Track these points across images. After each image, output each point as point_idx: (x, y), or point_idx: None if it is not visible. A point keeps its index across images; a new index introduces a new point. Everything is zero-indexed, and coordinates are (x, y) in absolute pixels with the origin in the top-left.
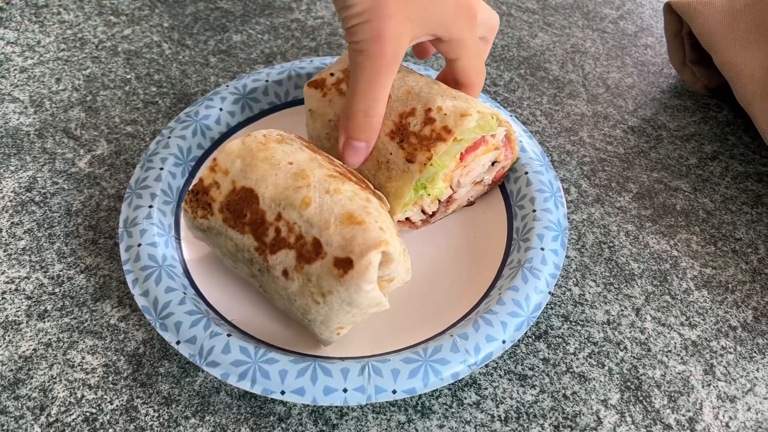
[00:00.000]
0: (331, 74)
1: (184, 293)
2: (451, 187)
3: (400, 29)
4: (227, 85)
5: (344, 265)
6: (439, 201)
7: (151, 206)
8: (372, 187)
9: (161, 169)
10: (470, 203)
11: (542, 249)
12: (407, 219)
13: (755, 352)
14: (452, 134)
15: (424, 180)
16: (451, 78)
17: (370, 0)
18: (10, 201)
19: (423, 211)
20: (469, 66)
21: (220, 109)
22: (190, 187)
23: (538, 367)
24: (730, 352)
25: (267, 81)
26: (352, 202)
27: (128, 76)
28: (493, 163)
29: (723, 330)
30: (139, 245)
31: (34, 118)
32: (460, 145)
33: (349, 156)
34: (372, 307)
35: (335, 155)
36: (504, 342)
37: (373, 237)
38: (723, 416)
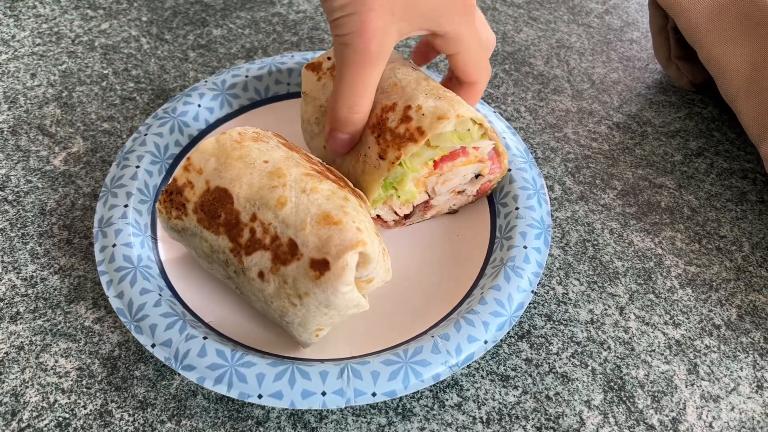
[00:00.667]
0: (328, 58)
1: (160, 295)
2: (426, 192)
3: (383, 23)
4: (206, 81)
5: (320, 266)
6: (414, 206)
7: (126, 205)
8: (351, 185)
9: (137, 167)
10: (453, 211)
11: (525, 247)
12: (378, 216)
13: (739, 350)
14: (424, 136)
15: (391, 179)
16: (454, 78)
17: None
18: None
19: (395, 212)
20: (468, 61)
21: (199, 105)
22: (165, 187)
23: (520, 367)
24: (714, 351)
25: (247, 76)
26: (329, 201)
27: (105, 72)
28: (477, 176)
29: (707, 329)
30: (114, 246)
31: (7, 115)
32: (433, 152)
33: (332, 145)
34: (350, 309)
35: (323, 144)
36: (486, 342)
37: (349, 237)
38: (706, 416)
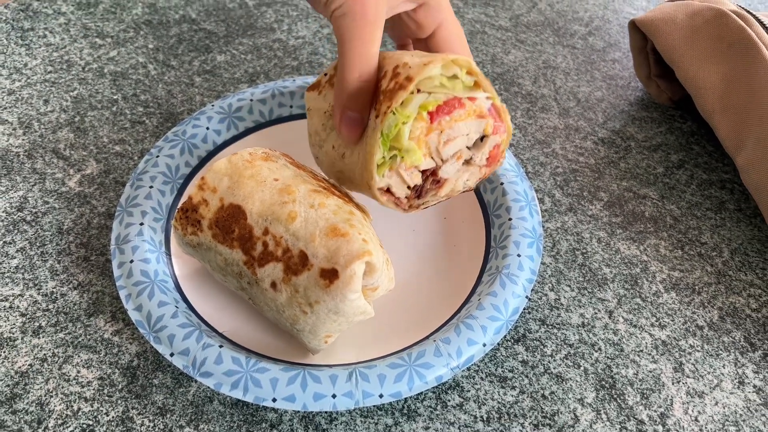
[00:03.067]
0: (325, 74)
1: (176, 307)
2: (431, 157)
3: None
4: (213, 105)
5: (330, 275)
6: (423, 173)
7: (142, 223)
8: (355, 200)
9: (151, 187)
10: (469, 189)
11: (519, 255)
12: (388, 190)
13: (721, 349)
14: (412, 81)
15: (386, 131)
16: None
17: None
18: (2, 221)
19: (405, 183)
20: (451, 33)
21: (207, 128)
22: (180, 204)
23: (517, 369)
24: (698, 351)
25: (251, 100)
26: (336, 215)
27: (115, 97)
28: (482, 139)
29: (691, 329)
30: (131, 261)
31: (23, 140)
32: (423, 96)
33: (346, 130)
34: (357, 316)
35: (332, 146)
36: (485, 345)
37: (356, 248)
38: (692, 411)
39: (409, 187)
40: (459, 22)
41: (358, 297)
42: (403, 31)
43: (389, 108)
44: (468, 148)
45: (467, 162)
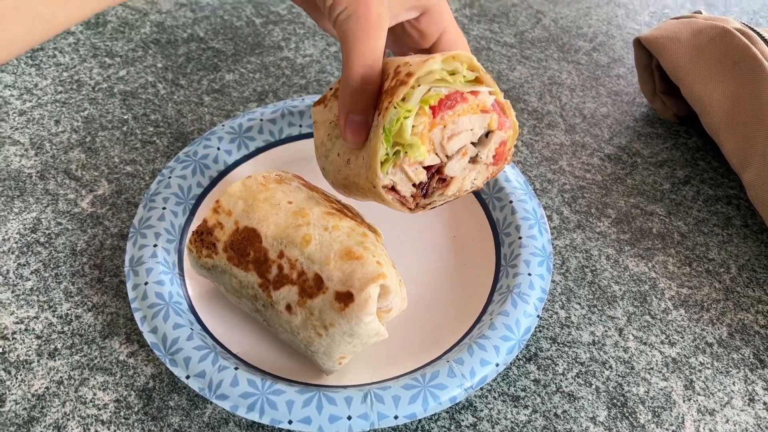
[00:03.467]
0: (330, 89)
1: (191, 329)
2: (436, 153)
3: None
4: (223, 125)
5: (345, 298)
6: (428, 170)
7: (155, 245)
8: (366, 221)
9: (164, 208)
10: (477, 189)
11: (529, 274)
12: (393, 188)
13: (731, 366)
14: (412, 75)
15: (388, 125)
16: None
17: None
18: (16, 242)
19: (410, 180)
20: (455, 41)
21: (218, 148)
22: (195, 227)
23: (529, 388)
24: (708, 368)
25: (261, 119)
26: (350, 237)
27: (125, 117)
28: (487, 135)
29: (700, 347)
30: (146, 283)
31: (35, 160)
32: (424, 88)
33: (350, 133)
34: (372, 338)
35: (338, 153)
36: (497, 365)
37: (371, 271)
38: (704, 429)
39: (414, 185)
40: (461, 30)
41: (373, 320)
42: (405, 42)
43: (390, 103)
44: (474, 145)
45: (473, 160)
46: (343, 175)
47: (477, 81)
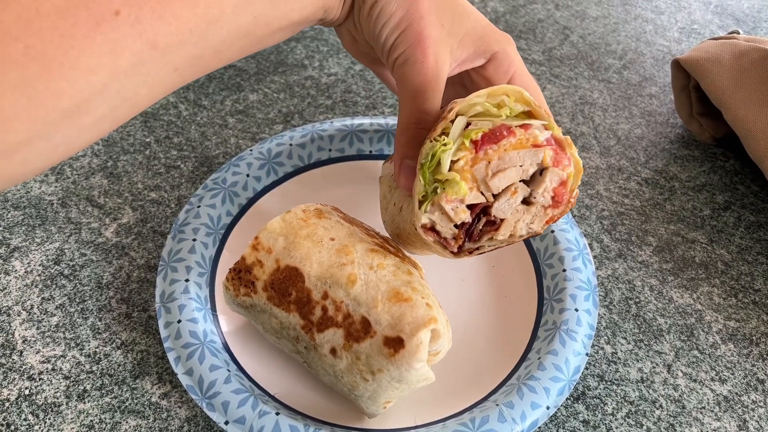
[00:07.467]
0: None
1: (228, 370)
2: (480, 192)
3: (436, 33)
4: (251, 150)
5: (395, 344)
6: (471, 210)
7: (187, 279)
8: (408, 255)
9: (194, 240)
10: (534, 234)
11: (576, 310)
12: (432, 228)
13: None
14: (453, 110)
15: (423, 160)
16: None
17: (405, 6)
18: (39, 275)
19: (451, 220)
20: (528, 86)
21: (247, 175)
22: (233, 264)
23: (579, 429)
24: (761, 406)
25: (291, 144)
26: (396, 277)
27: (147, 140)
28: (541, 173)
29: (752, 384)
30: (179, 321)
31: (56, 187)
32: (463, 122)
33: (404, 178)
34: (420, 382)
35: (394, 203)
36: (548, 408)
37: (421, 315)
38: None
39: (456, 226)
40: (530, 74)
41: (423, 365)
42: (471, 92)
43: (430, 139)
44: (526, 183)
45: (527, 201)
46: (396, 224)
47: (529, 115)
